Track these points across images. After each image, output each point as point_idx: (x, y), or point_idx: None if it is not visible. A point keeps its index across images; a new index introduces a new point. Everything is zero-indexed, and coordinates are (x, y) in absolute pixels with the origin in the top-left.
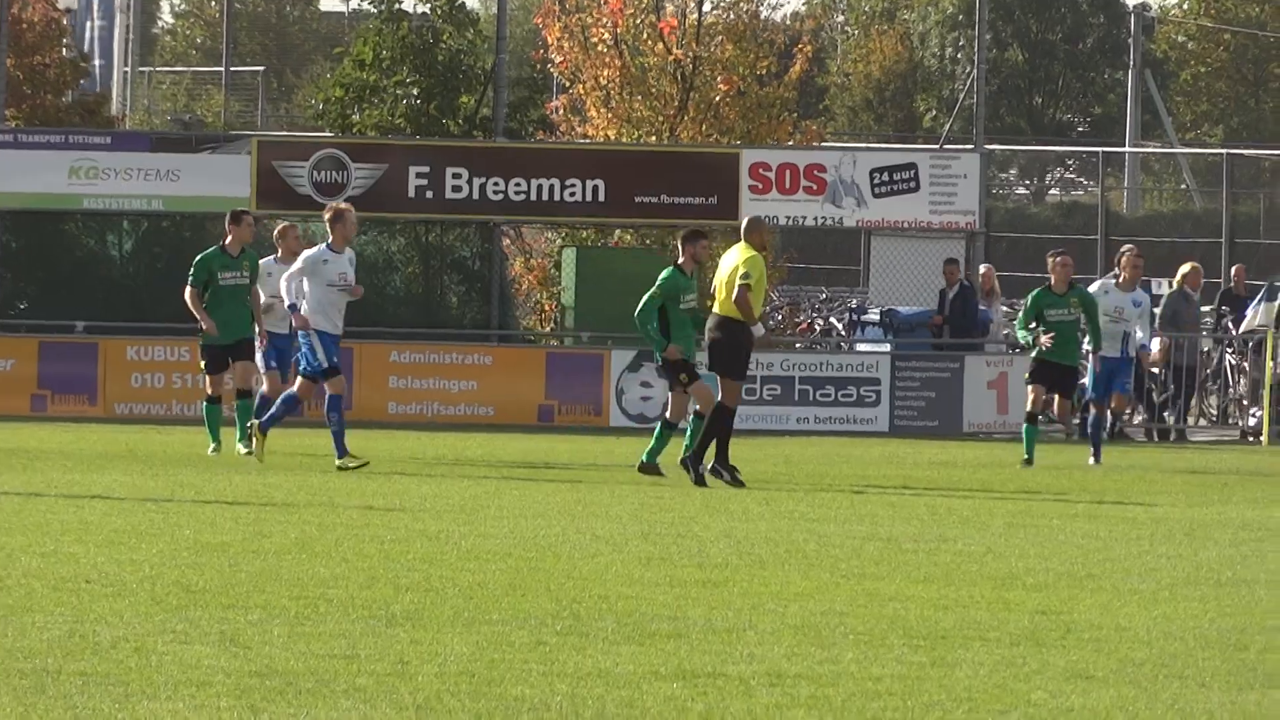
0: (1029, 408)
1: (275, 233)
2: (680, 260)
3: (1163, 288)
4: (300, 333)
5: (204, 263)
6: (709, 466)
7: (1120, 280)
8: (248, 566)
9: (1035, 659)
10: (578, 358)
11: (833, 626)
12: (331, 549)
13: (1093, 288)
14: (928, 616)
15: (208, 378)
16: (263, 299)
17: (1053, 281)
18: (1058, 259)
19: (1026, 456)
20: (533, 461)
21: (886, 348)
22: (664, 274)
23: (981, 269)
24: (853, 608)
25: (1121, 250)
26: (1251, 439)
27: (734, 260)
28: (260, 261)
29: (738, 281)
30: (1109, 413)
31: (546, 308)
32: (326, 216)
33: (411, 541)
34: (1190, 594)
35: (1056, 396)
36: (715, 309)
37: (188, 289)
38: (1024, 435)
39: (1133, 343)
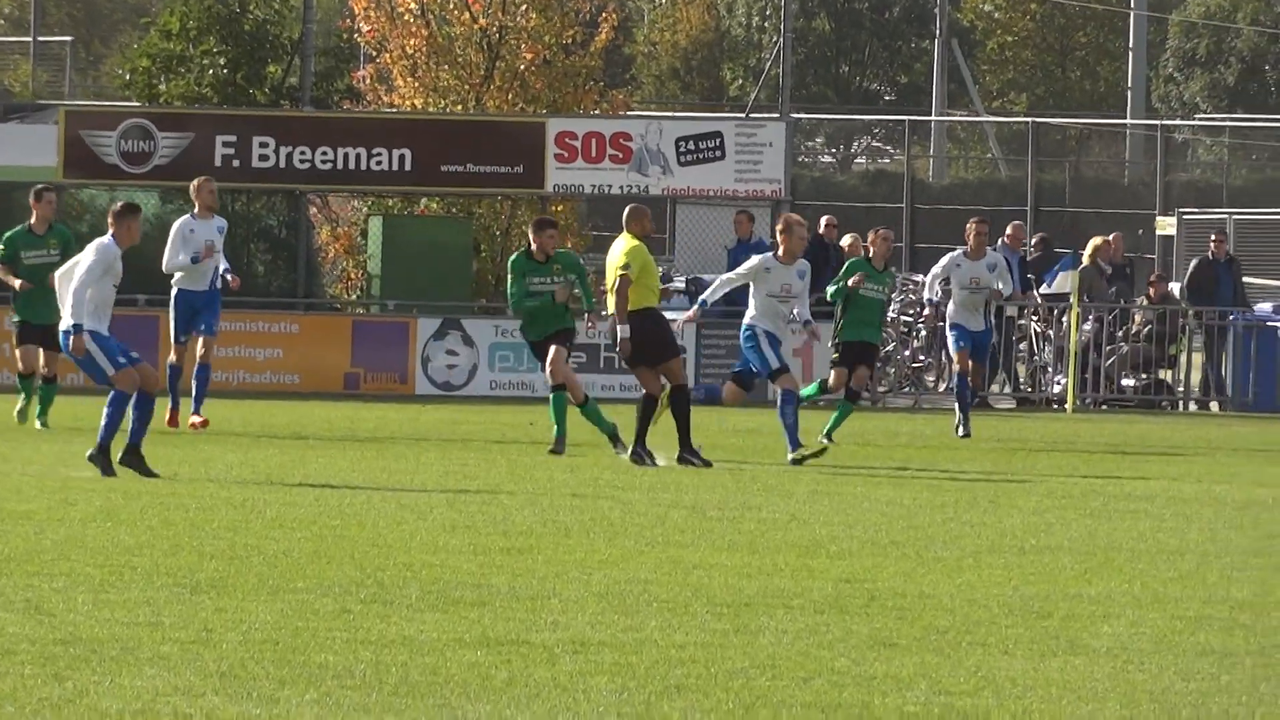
0: (833, 385)
1: (192, 187)
2: (531, 247)
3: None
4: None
5: (10, 240)
6: (677, 456)
7: (969, 250)
8: (53, 534)
9: (839, 626)
10: (384, 326)
11: (637, 594)
12: (137, 517)
13: (941, 264)
14: (731, 584)
15: (18, 351)
16: (182, 257)
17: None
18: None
19: (826, 433)
20: (338, 430)
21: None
22: (511, 259)
23: (846, 239)
24: (657, 575)
25: (969, 222)
26: (1056, 406)
27: (617, 251)
28: (178, 221)
29: (618, 272)
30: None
31: (353, 276)
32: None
33: (217, 510)
34: (994, 561)
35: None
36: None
37: None
38: (840, 412)
39: (1005, 293)
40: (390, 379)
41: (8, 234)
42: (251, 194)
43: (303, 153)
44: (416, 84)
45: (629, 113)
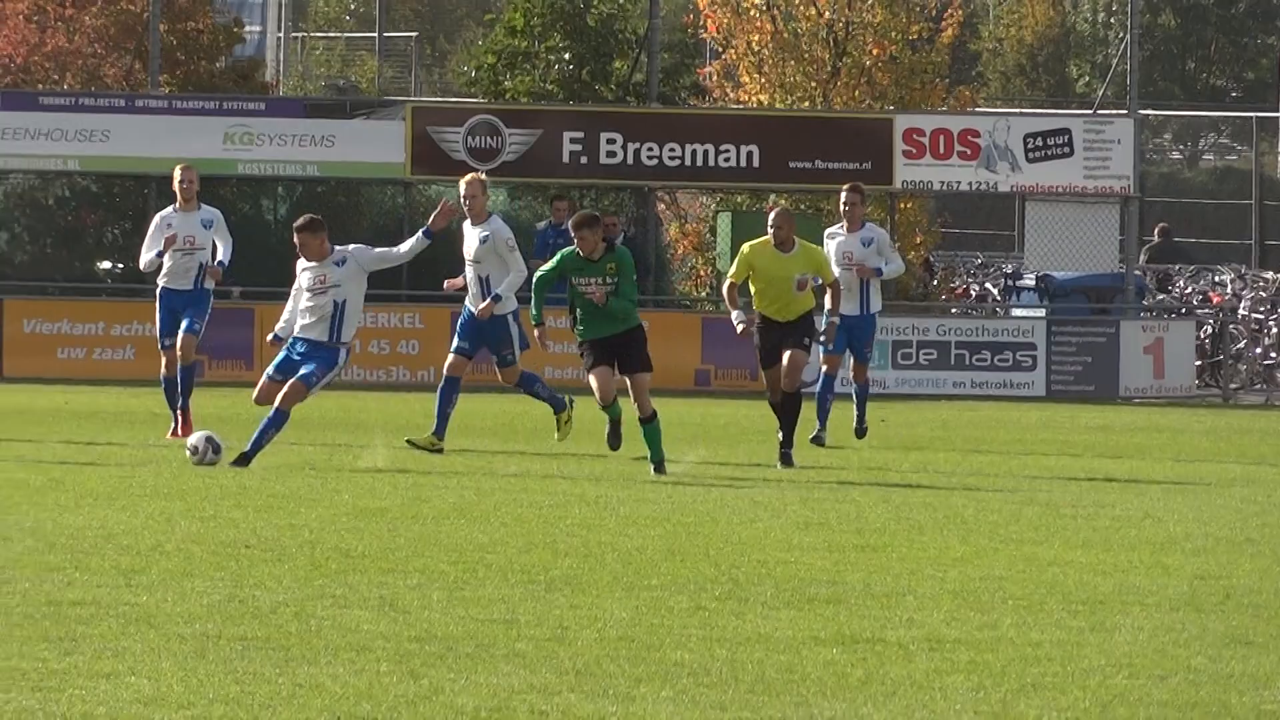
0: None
1: (173, 178)
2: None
3: None
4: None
5: None
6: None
7: (845, 225)
8: (406, 532)
9: (1194, 624)
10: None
11: (991, 592)
12: (490, 514)
13: (824, 236)
14: (1086, 581)
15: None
16: (152, 254)
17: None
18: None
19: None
20: (689, 427)
21: (1042, 312)
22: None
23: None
24: (1011, 573)
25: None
26: None
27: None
28: (158, 214)
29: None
30: (843, 379)
31: (702, 273)
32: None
33: (570, 507)
34: None
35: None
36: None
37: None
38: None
39: (889, 272)
40: (741, 375)
41: None
42: (599, 190)
43: (650, 149)
44: (763, 80)
45: (976, 109)
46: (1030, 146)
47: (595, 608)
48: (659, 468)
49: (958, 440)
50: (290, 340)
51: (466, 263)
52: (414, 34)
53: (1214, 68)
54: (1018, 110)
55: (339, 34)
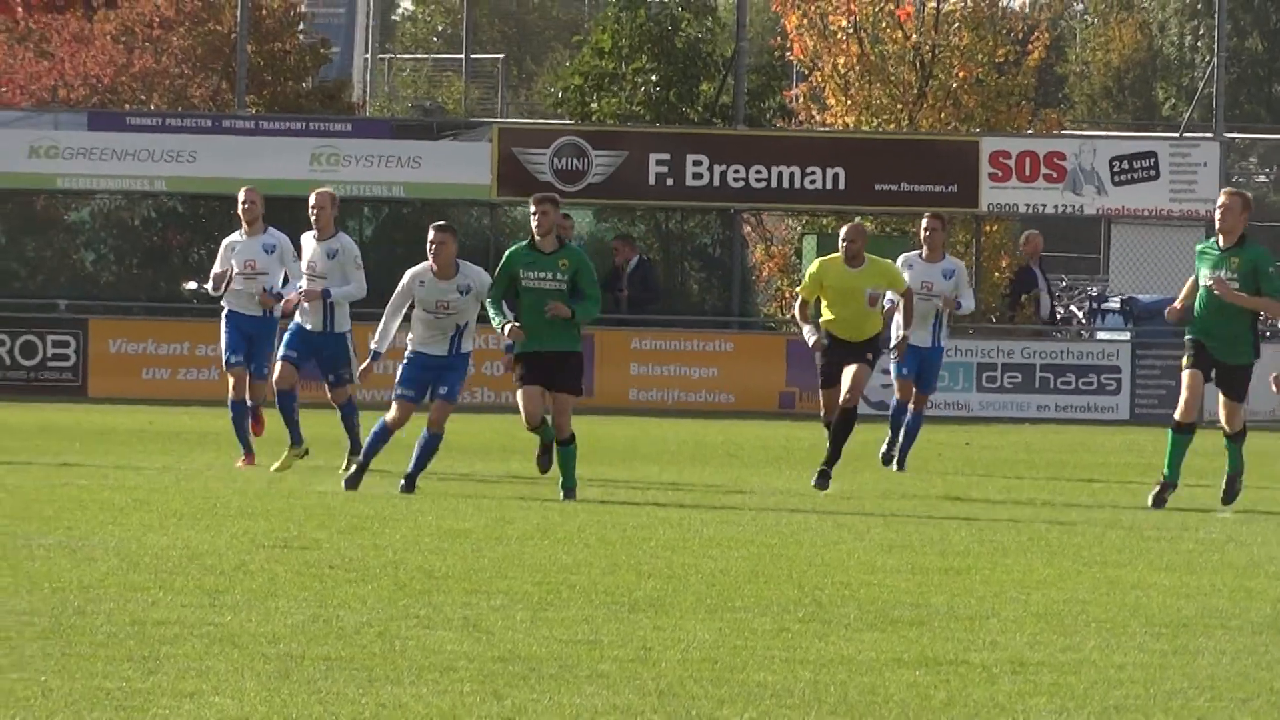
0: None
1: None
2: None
3: None
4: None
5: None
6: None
7: (924, 254)
8: (490, 552)
9: (1277, 648)
10: None
11: (1075, 614)
12: (574, 535)
13: (898, 263)
14: (1169, 604)
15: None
16: (209, 284)
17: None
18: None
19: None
20: (773, 449)
21: (1127, 336)
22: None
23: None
24: (1095, 595)
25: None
26: None
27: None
28: (227, 238)
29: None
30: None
31: (786, 294)
32: None
33: (654, 528)
34: None
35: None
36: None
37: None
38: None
39: (966, 308)
40: None
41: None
42: (685, 212)
43: (736, 170)
44: (849, 102)
45: (1063, 132)
46: (1116, 169)
47: (678, 629)
48: (569, 494)
49: (1041, 464)
50: (412, 357)
51: (304, 276)
52: (501, 55)
53: None
54: (1104, 133)
55: (426, 55)
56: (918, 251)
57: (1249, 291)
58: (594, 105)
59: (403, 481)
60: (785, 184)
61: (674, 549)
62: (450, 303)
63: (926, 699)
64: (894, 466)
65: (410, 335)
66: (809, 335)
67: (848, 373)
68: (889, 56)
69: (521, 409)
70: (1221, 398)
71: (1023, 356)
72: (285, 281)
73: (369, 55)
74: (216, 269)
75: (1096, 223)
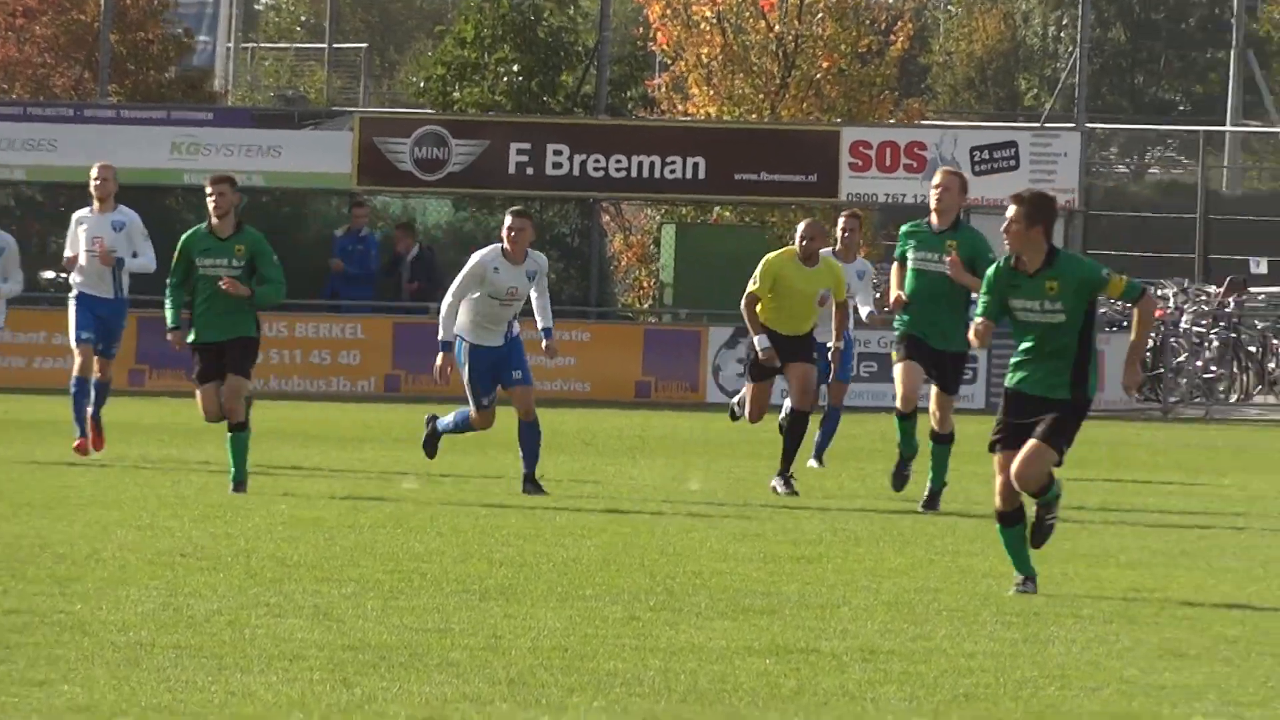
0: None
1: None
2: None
3: (1261, 266)
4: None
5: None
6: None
7: (837, 250)
8: (342, 541)
9: (1128, 636)
10: (675, 334)
11: (926, 603)
12: (426, 524)
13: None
14: (1021, 594)
15: None
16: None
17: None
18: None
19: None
20: (629, 438)
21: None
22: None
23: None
24: (946, 584)
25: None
26: None
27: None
28: (75, 215)
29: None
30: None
31: (645, 284)
32: None
33: (506, 517)
34: None
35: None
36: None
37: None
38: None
39: (860, 314)
40: (681, 387)
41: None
42: (545, 201)
43: (597, 160)
44: (711, 92)
45: (924, 122)
46: (976, 159)
47: (529, 617)
48: (239, 486)
49: (894, 453)
50: (473, 356)
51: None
52: (364, 45)
53: (1162, 82)
54: (965, 124)
55: (289, 45)
56: (831, 249)
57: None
58: (455, 95)
59: (527, 485)
60: (645, 174)
61: (526, 537)
62: (519, 289)
63: (776, 687)
64: (815, 462)
65: (462, 330)
66: (761, 343)
67: (797, 374)
68: (752, 47)
69: (200, 405)
70: (934, 391)
71: (879, 346)
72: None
73: (232, 44)
74: (68, 252)
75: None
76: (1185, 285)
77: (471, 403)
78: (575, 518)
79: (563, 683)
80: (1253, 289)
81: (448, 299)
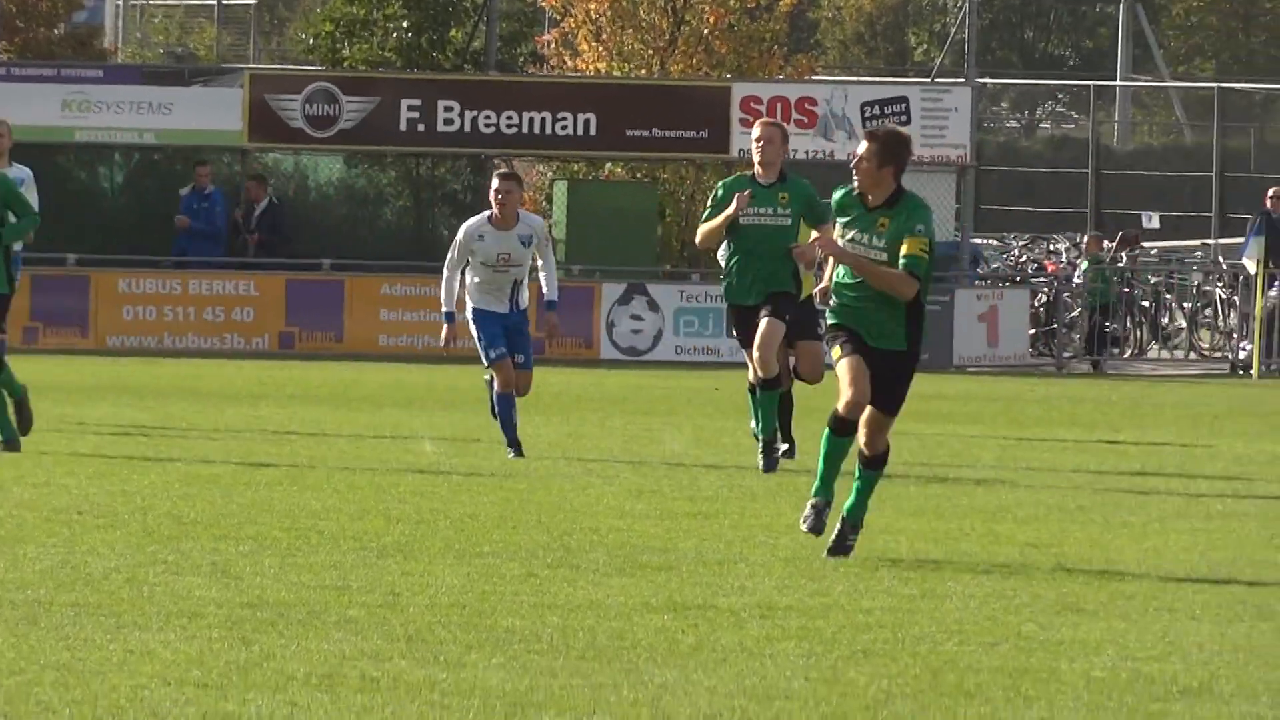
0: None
1: None
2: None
3: (1153, 221)
4: None
5: None
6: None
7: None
8: (239, 498)
9: (1026, 591)
10: (568, 290)
11: (823, 559)
12: (323, 481)
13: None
14: (918, 549)
15: None
16: None
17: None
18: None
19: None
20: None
21: None
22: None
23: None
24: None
25: None
26: (1242, 372)
27: None
28: None
29: None
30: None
31: None
32: None
33: (403, 474)
34: (1180, 526)
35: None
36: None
37: None
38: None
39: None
40: (576, 344)
41: None
42: (436, 158)
43: (488, 117)
44: (601, 48)
45: (814, 78)
46: (867, 115)
47: (427, 574)
48: (9, 446)
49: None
50: (486, 314)
51: None
52: (253, 1)
53: (1053, 36)
54: (855, 79)
55: (178, 2)
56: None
57: (798, 224)
58: (345, 51)
59: (512, 451)
60: (536, 130)
61: (423, 494)
62: (512, 254)
63: (675, 643)
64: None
65: (468, 295)
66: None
67: (807, 352)
68: (641, 2)
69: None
70: (768, 328)
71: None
72: None
73: (121, 1)
74: None
75: (848, 168)
76: (1078, 240)
77: (482, 356)
78: (471, 475)
79: (461, 640)
80: (1145, 243)
81: (445, 270)
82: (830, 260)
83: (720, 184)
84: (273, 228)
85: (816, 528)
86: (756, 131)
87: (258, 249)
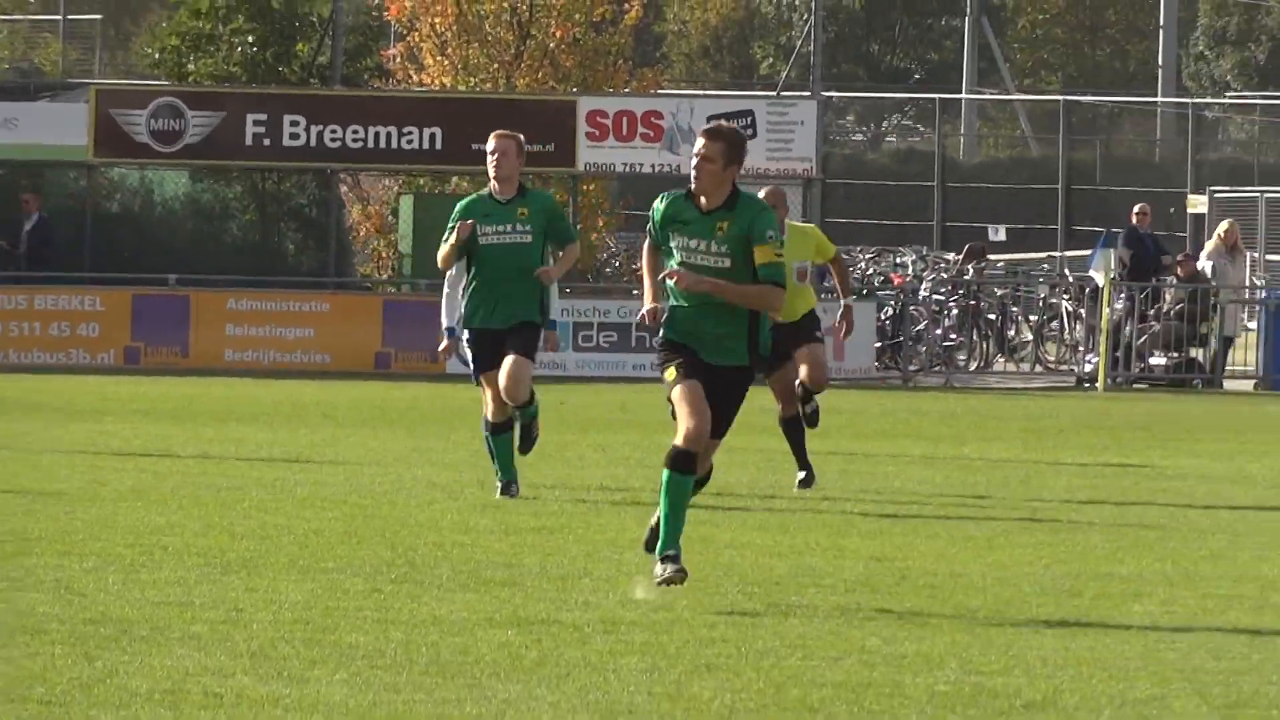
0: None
1: None
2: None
3: (999, 233)
4: None
5: None
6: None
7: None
8: (84, 514)
9: (870, 605)
10: (415, 305)
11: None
12: (168, 497)
13: None
14: (762, 563)
15: None
16: None
17: None
18: None
19: None
20: (368, 410)
21: None
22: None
23: (1223, 226)
24: (688, 554)
25: None
26: (1087, 385)
27: None
28: None
29: None
30: None
31: (384, 255)
32: None
33: (247, 489)
34: (1025, 540)
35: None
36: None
37: None
38: None
39: None
40: (421, 358)
41: None
42: (282, 173)
43: (333, 131)
44: (446, 62)
45: (660, 91)
46: None
47: (271, 590)
48: None
49: (636, 422)
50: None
51: None
52: (98, 16)
53: (898, 50)
54: (701, 92)
55: (23, 16)
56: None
57: (542, 241)
58: (191, 66)
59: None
60: (383, 144)
61: (267, 510)
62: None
63: (518, 659)
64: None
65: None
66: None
67: (804, 355)
68: (486, 16)
69: None
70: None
71: (619, 316)
72: None
73: None
74: None
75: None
76: (924, 253)
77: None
78: (316, 490)
79: (304, 655)
80: (991, 256)
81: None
82: (650, 278)
83: (459, 204)
84: (43, 242)
85: (679, 576)
86: (490, 144)
87: (28, 263)
